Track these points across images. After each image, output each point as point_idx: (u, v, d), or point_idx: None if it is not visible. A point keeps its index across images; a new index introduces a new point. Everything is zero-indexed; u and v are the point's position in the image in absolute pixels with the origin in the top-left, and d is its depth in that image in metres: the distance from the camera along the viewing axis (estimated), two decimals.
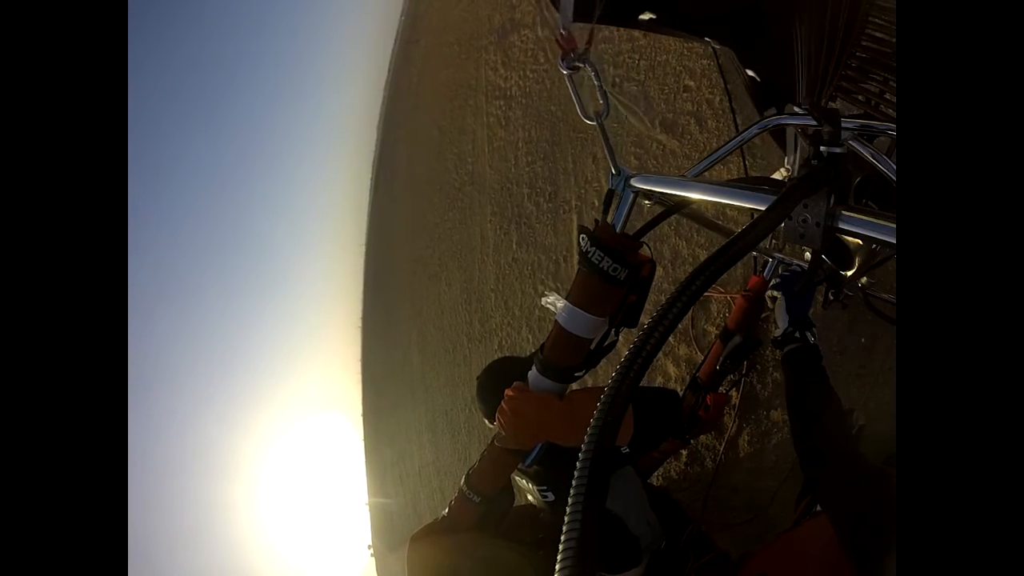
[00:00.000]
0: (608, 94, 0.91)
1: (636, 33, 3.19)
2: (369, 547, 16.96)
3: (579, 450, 0.42)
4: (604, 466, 0.41)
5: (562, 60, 0.85)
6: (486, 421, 1.25)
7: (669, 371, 2.43)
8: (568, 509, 0.39)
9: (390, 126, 19.02)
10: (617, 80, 3.40)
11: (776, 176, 1.25)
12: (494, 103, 6.03)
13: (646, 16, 0.96)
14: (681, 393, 1.97)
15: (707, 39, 1.12)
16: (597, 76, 0.87)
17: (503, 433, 1.08)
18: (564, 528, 0.39)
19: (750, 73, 1.09)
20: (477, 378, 1.36)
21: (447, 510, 1.21)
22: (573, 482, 0.41)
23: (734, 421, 2.02)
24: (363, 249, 20.87)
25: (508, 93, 5.67)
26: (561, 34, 0.82)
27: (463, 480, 1.20)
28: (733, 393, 2.03)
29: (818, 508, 1.15)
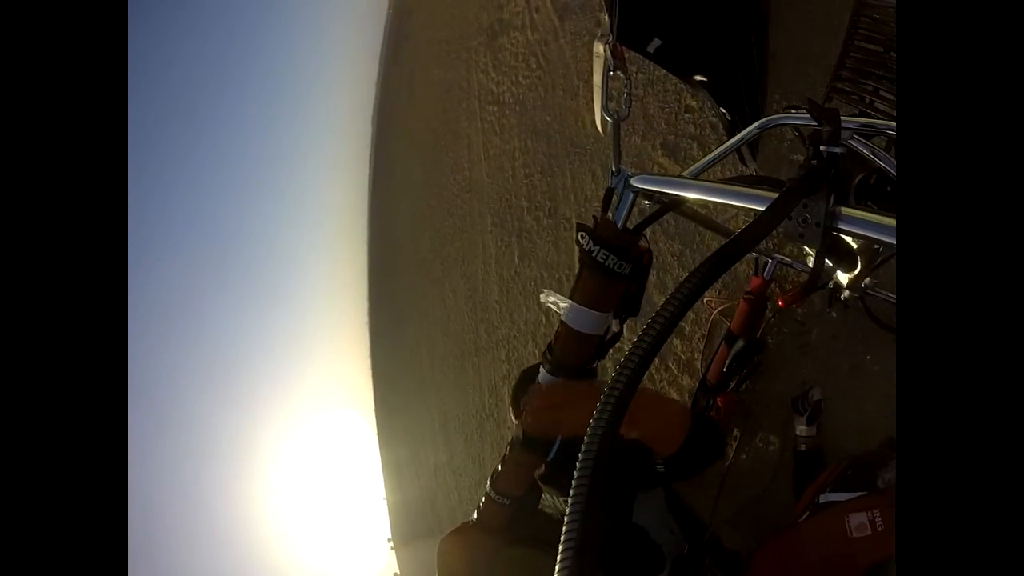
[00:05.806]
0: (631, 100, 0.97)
1: None
2: (389, 540, 17.31)
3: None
4: (605, 465, 0.41)
5: (612, 56, 0.90)
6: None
7: (683, 384, 2.41)
8: (568, 509, 0.39)
9: (384, 123, 18.80)
10: (612, 93, 3.32)
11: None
12: (487, 108, 5.91)
13: (652, 47, 1.02)
14: (690, 401, 1.99)
15: (696, 77, 1.19)
16: (630, 83, 0.93)
17: (528, 419, 1.09)
18: (564, 528, 0.39)
19: (722, 110, 1.20)
20: (511, 392, 1.39)
21: (476, 514, 1.21)
22: (573, 482, 0.41)
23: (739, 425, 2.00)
24: (366, 246, 20.84)
25: (501, 99, 5.54)
26: (613, 46, 0.90)
27: (488, 485, 1.20)
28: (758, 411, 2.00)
29: (820, 501, 1.19)
